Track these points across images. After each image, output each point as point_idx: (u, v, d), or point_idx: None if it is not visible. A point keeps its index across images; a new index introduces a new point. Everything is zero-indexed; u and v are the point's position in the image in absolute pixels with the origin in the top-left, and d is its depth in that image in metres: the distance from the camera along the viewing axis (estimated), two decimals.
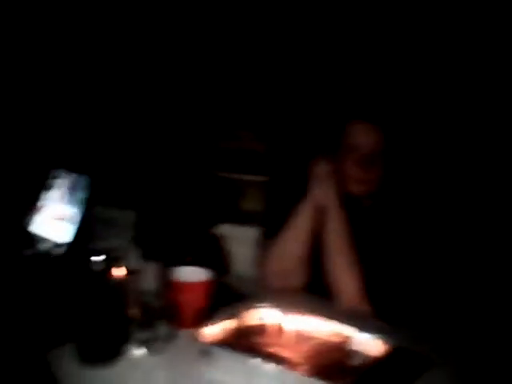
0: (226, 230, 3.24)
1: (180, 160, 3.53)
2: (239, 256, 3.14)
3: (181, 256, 2.58)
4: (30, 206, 2.89)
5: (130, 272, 2.23)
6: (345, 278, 2.59)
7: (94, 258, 1.96)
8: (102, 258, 1.96)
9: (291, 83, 3.44)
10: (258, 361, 1.86)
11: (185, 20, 3.56)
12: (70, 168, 2.86)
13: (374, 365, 1.97)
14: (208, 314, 2.28)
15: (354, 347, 2.10)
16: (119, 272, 2.17)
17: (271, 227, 2.84)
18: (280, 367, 1.86)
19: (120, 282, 2.13)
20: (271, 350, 2.06)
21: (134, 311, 2.09)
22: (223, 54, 3.51)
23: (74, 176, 2.83)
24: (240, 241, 3.18)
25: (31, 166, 3.44)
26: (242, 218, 3.39)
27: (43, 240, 2.80)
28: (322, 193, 2.67)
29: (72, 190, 2.81)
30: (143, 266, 2.09)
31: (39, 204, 2.89)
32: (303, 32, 3.39)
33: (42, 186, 2.89)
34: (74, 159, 3.28)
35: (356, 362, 2.03)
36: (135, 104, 3.79)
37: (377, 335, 2.08)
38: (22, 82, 3.70)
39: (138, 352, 2.06)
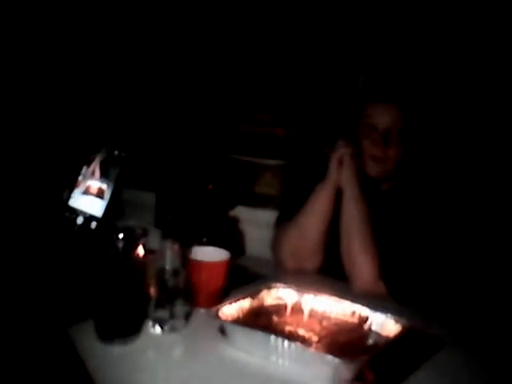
0: (243, 212, 3.28)
1: (198, 143, 3.57)
2: (255, 238, 3.18)
3: (198, 237, 2.63)
4: (69, 181, 2.94)
5: (150, 251, 2.28)
6: (361, 261, 2.62)
7: (117, 236, 2.00)
8: (122, 235, 2.01)
9: (307, 66, 3.46)
10: (274, 338, 1.90)
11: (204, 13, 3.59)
12: (108, 145, 2.90)
13: (388, 345, 1.99)
14: (225, 294, 2.33)
15: (369, 327, 2.13)
16: (140, 251, 2.22)
17: (288, 210, 2.88)
18: (297, 344, 1.89)
19: (140, 261, 2.18)
20: (288, 328, 2.10)
21: (153, 290, 2.13)
22: (242, 38, 3.53)
23: (111, 153, 2.87)
24: (256, 223, 3.22)
25: (71, 141, 3.53)
26: (258, 201, 3.42)
27: (79, 213, 2.85)
28: (342, 175, 2.70)
29: (108, 166, 2.86)
30: (162, 246, 2.13)
31: (79, 178, 2.94)
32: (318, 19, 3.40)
33: (81, 161, 2.94)
34: (111, 137, 3.35)
35: (370, 342, 2.06)
36: (160, 89, 3.84)
37: (391, 316, 2.10)
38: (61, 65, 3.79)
39: (156, 330, 2.11)
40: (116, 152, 2.80)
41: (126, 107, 3.89)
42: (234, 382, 1.86)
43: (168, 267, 2.11)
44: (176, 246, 2.13)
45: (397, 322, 2.08)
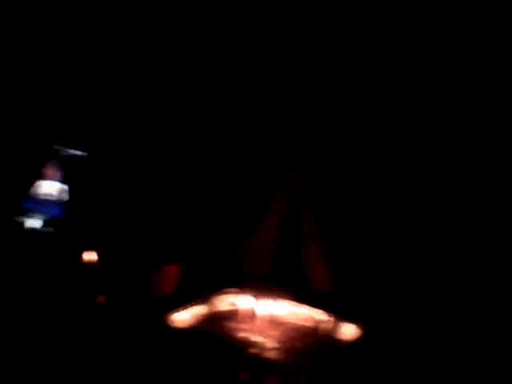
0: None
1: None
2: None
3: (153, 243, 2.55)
4: (29, 181, 2.84)
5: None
6: (316, 266, 2.60)
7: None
8: None
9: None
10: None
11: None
12: (68, 145, 2.81)
13: (345, 349, 1.96)
14: (178, 299, 2.25)
15: (326, 332, 2.09)
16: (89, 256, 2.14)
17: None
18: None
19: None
20: (243, 334, 2.04)
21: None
22: None
23: (70, 154, 2.79)
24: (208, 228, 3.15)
25: (32, 142, 3.38)
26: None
27: (36, 214, 2.76)
28: (296, 188, 2.71)
29: (67, 166, 2.78)
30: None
31: (37, 179, 2.84)
32: None
33: (40, 162, 2.85)
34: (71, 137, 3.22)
35: (327, 346, 2.02)
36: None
37: (348, 320, 2.07)
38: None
39: None
40: (76, 152, 2.73)
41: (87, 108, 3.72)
42: None
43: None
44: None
45: (354, 325, 2.05)
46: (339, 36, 3.00)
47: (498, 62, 2.78)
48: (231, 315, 2.18)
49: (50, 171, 2.81)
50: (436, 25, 2.89)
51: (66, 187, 2.76)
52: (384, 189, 2.75)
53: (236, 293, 2.27)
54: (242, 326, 2.11)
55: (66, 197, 2.73)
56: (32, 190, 2.80)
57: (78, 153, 2.82)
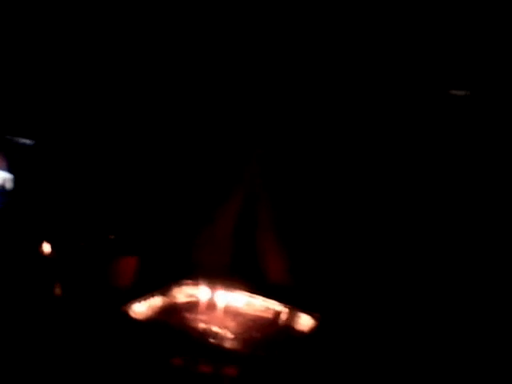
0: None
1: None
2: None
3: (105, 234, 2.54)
4: None
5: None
6: (272, 257, 2.64)
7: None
8: None
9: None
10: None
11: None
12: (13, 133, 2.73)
13: (301, 338, 2.01)
14: (136, 291, 2.25)
15: (284, 322, 2.14)
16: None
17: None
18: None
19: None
20: (201, 325, 2.06)
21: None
22: None
23: (16, 142, 2.71)
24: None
25: None
26: None
27: None
28: (252, 180, 2.74)
29: (13, 155, 2.70)
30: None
31: None
32: None
33: None
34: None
35: (284, 336, 2.07)
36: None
37: (304, 310, 2.12)
38: None
39: None
40: (22, 141, 2.65)
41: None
42: None
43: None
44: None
45: (310, 315, 2.10)
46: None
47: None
48: (190, 306, 2.20)
49: None
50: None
51: (10, 176, 2.69)
52: (343, 179, 2.80)
53: (194, 284, 2.28)
54: (201, 317, 2.13)
55: (10, 186, 2.66)
56: None
57: (25, 141, 2.75)
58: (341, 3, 2.91)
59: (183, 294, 2.27)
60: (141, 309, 2.08)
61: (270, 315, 2.18)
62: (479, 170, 2.76)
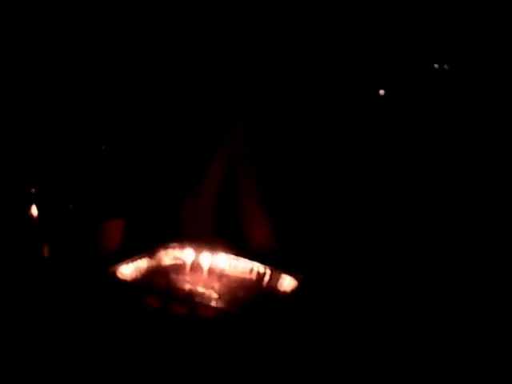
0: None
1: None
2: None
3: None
4: None
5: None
6: (255, 221, 2.68)
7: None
8: None
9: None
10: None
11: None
12: None
13: (283, 298, 2.07)
14: (122, 254, 2.29)
15: (267, 284, 2.19)
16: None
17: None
18: None
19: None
20: (187, 286, 2.12)
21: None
22: None
23: None
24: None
25: None
26: None
27: None
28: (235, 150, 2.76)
29: None
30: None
31: None
32: None
33: None
34: None
35: (267, 296, 2.12)
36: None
37: (287, 272, 2.17)
38: None
39: None
40: None
41: None
42: None
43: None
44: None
45: (293, 277, 2.15)
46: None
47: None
48: (176, 268, 2.25)
49: None
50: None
51: None
52: (328, 150, 2.83)
53: (180, 247, 2.33)
54: (187, 278, 2.18)
55: None
56: None
57: None
58: None
59: (169, 256, 2.31)
60: (127, 270, 2.12)
61: (253, 277, 2.23)
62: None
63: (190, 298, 1.96)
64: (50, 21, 3.14)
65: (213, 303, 2.00)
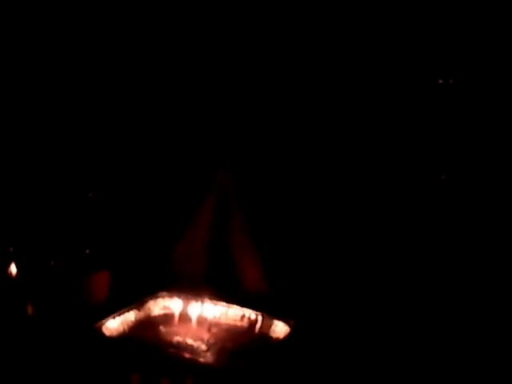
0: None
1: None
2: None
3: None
4: None
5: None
6: (247, 266, 2.63)
7: None
8: None
9: None
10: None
11: None
12: None
13: (276, 346, 2.00)
14: (110, 306, 2.23)
15: (259, 331, 2.12)
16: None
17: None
18: None
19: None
20: (176, 338, 2.05)
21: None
22: None
23: None
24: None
25: None
26: None
27: None
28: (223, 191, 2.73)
29: None
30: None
31: None
32: None
33: None
34: None
35: (260, 345, 2.06)
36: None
37: (280, 318, 2.11)
38: None
39: None
40: None
41: None
42: None
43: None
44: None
45: (285, 323, 2.08)
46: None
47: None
48: (165, 319, 2.18)
49: None
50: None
51: None
52: (315, 187, 2.78)
53: (168, 296, 2.26)
54: (176, 329, 2.12)
55: None
56: None
57: None
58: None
59: (158, 306, 2.25)
60: (114, 325, 2.06)
61: (245, 324, 2.16)
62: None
63: (178, 353, 1.88)
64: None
65: (201, 358, 1.92)
